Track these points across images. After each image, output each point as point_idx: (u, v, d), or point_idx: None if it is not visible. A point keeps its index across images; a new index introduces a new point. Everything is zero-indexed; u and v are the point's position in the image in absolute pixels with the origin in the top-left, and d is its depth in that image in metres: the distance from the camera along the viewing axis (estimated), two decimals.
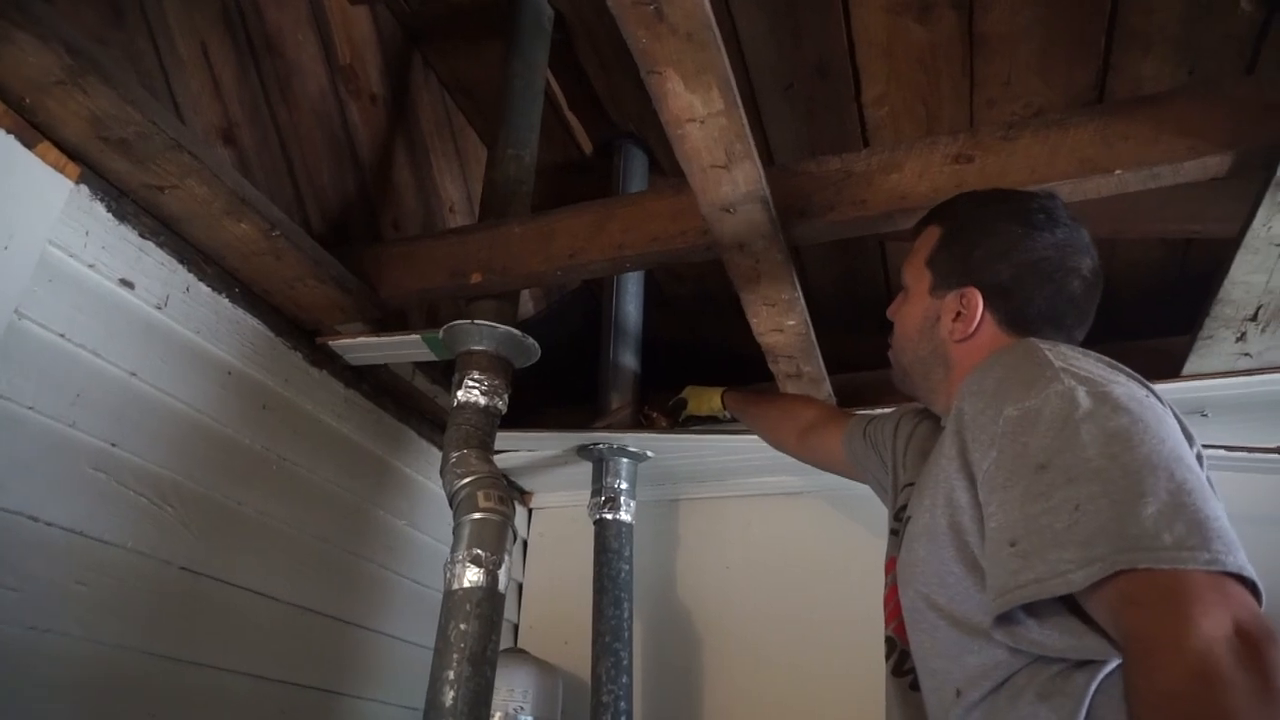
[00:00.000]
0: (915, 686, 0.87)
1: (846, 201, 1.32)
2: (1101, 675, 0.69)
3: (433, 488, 1.88)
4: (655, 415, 1.88)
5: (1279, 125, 1.08)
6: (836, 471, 1.42)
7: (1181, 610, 0.59)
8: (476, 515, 1.26)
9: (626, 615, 1.73)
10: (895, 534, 1.01)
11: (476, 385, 1.43)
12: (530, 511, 2.24)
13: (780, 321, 1.48)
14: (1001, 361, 0.84)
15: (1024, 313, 0.95)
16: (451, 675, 1.16)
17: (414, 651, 1.76)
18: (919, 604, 0.84)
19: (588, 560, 1.85)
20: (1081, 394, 0.74)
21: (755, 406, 1.65)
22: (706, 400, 1.77)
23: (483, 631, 1.19)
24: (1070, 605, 0.69)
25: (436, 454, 1.89)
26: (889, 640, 0.95)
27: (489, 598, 1.21)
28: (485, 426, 1.43)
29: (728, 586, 2.01)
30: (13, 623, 1.08)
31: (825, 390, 1.71)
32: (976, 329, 0.96)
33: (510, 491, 1.34)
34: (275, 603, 1.47)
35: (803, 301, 1.45)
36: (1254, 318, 1.39)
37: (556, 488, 2.15)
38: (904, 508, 1.00)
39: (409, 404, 1.84)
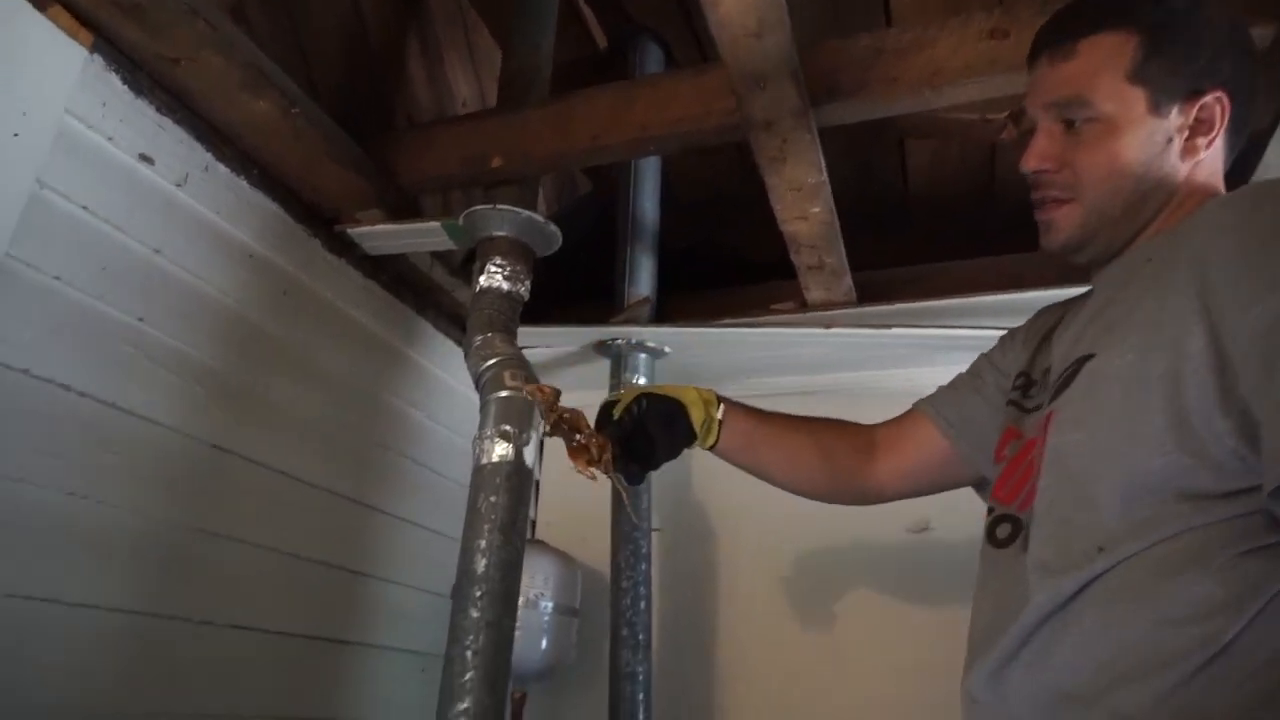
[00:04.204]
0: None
1: (877, 79, 1.29)
2: None
3: (449, 381, 1.90)
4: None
5: None
6: (928, 480, 1.14)
7: None
8: (503, 393, 1.27)
9: (645, 505, 1.76)
10: (1032, 410, 0.92)
11: (499, 270, 1.43)
12: None
13: (805, 208, 1.47)
14: (1275, 195, 0.73)
15: (1246, 116, 0.85)
16: (483, 544, 1.18)
17: (434, 539, 1.80)
18: (1080, 450, 0.78)
19: None
20: None
21: (774, 426, 1.16)
22: (666, 400, 1.10)
23: (511, 504, 1.21)
24: None
25: (453, 347, 1.91)
26: (1011, 518, 0.86)
27: (517, 471, 1.23)
28: (508, 311, 1.43)
29: (741, 485, 2.03)
30: (52, 487, 1.10)
31: (845, 284, 1.71)
32: (1212, 141, 0.85)
33: (535, 373, 1.34)
34: (302, 484, 1.49)
35: (829, 187, 1.44)
36: None
37: (573, 387, 2.13)
38: (1047, 370, 0.91)
39: (426, 296, 1.84)
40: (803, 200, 1.45)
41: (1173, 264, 0.77)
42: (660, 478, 1.92)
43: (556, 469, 2.19)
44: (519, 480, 1.23)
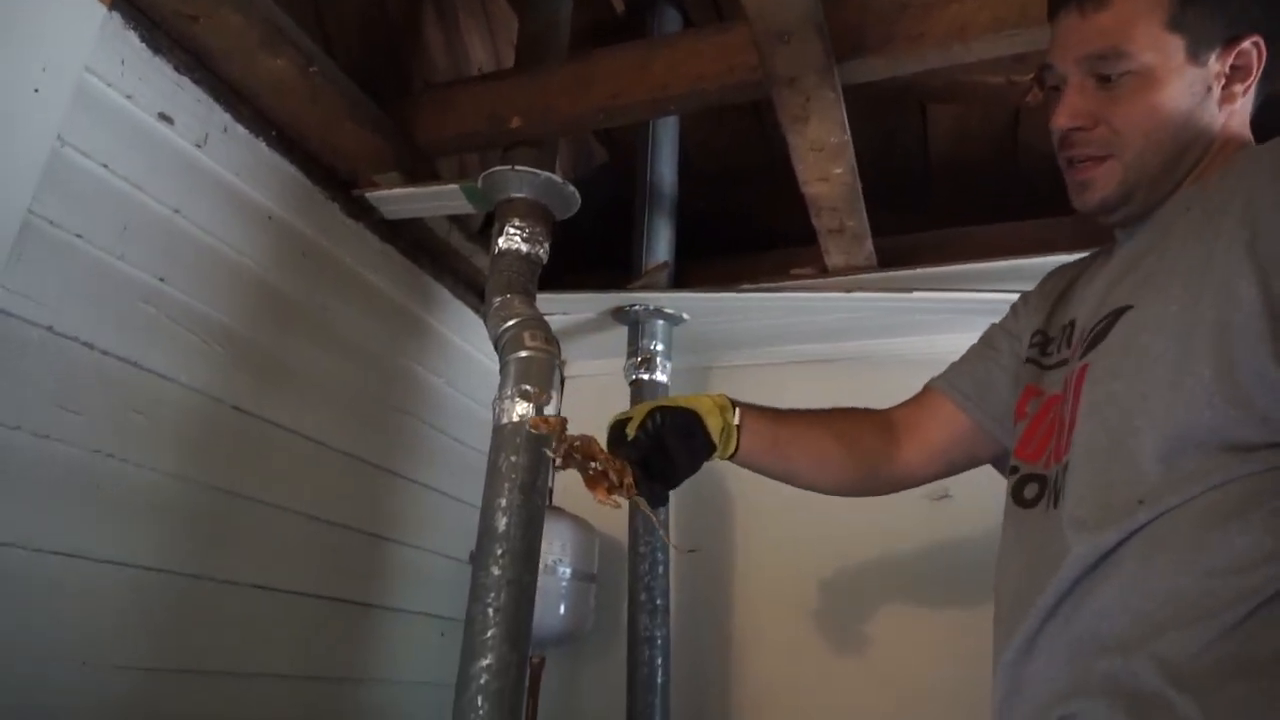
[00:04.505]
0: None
1: (903, 35, 1.27)
2: None
3: (467, 348, 1.90)
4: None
5: None
6: (954, 457, 1.09)
7: None
8: (523, 353, 1.26)
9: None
10: (1052, 366, 0.90)
11: (518, 232, 1.42)
12: (564, 380, 2.26)
13: (827, 169, 1.45)
14: None
15: (1278, 62, 0.83)
16: (504, 503, 1.19)
17: (453, 504, 1.81)
18: (1117, 402, 0.76)
19: None
20: None
21: (792, 424, 1.08)
22: (681, 411, 1.00)
23: (532, 463, 1.21)
24: None
25: (470, 315, 1.91)
26: (1038, 477, 0.85)
27: None
28: (527, 273, 1.42)
29: None
30: (78, 444, 1.11)
31: (867, 248, 1.69)
32: (1249, 88, 0.83)
33: (554, 334, 1.34)
34: (323, 447, 1.50)
35: (851, 147, 1.42)
36: None
37: (590, 356, 2.16)
38: (1067, 326, 0.90)
39: (444, 262, 1.84)
40: (825, 161, 1.43)
41: (1218, 211, 0.75)
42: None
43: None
44: (539, 440, 1.22)
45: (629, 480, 0.93)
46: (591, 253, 2.27)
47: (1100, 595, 0.72)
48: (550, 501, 2.11)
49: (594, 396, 2.20)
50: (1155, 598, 0.69)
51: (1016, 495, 0.87)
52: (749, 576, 1.94)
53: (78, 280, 1.12)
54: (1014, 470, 0.90)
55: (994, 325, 1.09)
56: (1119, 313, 0.80)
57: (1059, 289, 0.99)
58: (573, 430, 0.95)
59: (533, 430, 1.03)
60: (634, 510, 1.77)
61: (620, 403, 1.92)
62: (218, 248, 1.33)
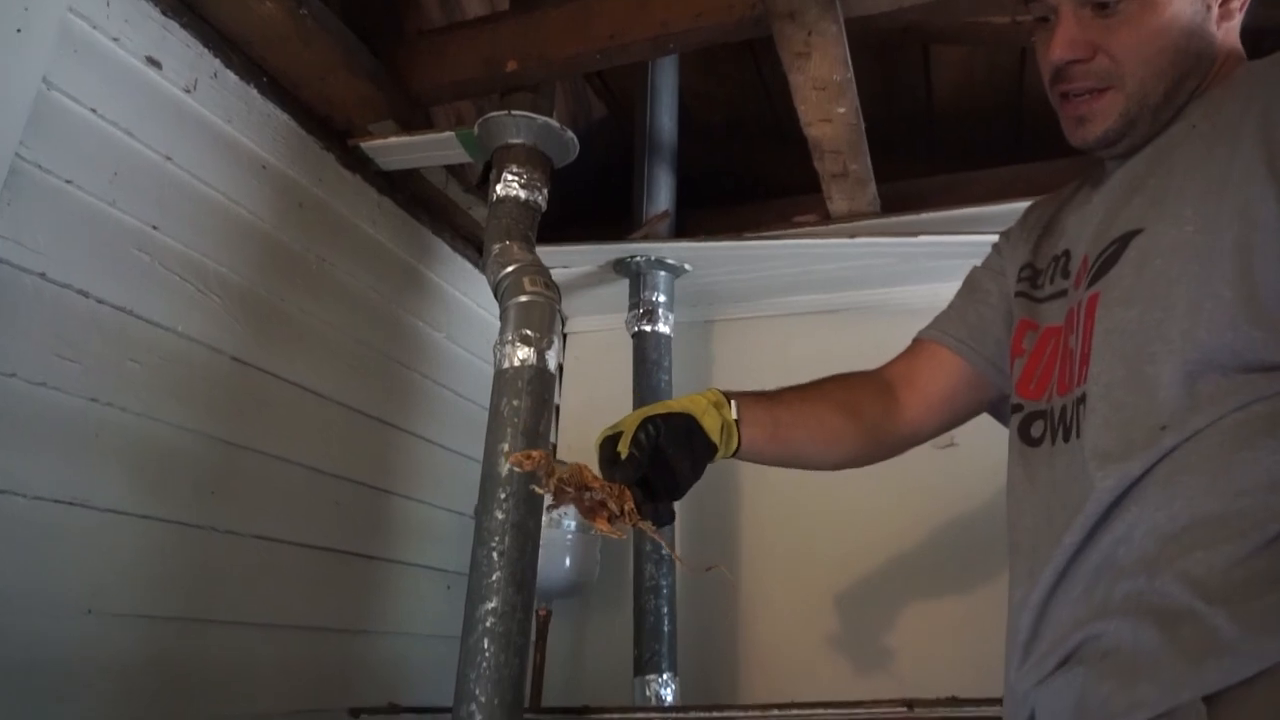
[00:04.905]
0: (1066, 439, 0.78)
1: None
2: None
3: (466, 302, 1.89)
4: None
5: None
6: (956, 405, 1.04)
7: None
8: (523, 298, 1.25)
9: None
10: (1046, 299, 0.88)
11: (515, 178, 1.40)
12: (565, 336, 2.24)
13: (830, 109, 1.42)
14: None
15: None
16: (506, 447, 1.18)
17: (455, 459, 1.80)
18: (1133, 328, 0.74)
19: (625, 383, 1.86)
20: None
21: (790, 405, 1.01)
22: (674, 417, 0.90)
23: (534, 407, 1.20)
24: None
25: (469, 268, 1.89)
26: (1044, 413, 0.83)
27: (539, 376, 1.22)
28: (526, 220, 1.40)
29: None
30: (75, 392, 1.10)
31: (870, 192, 1.67)
32: (1245, 3, 0.81)
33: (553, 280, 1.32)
34: (324, 400, 1.49)
35: (854, 86, 1.39)
36: None
37: (591, 311, 2.15)
38: (1060, 256, 0.88)
39: (442, 216, 1.82)
40: (827, 100, 1.40)
41: (1229, 128, 0.73)
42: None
43: (575, 391, 2.18)
44: (541, 384, 1.22)
45: (629, 506, 0.84)
46: (591, 212, 2.24)
47: (1122, 522, 0.71)
48: (554, 455, 2.11)
49: (596, 352, 2.19)
50: (1180, 520, 0.68)
51: (1023, 434, 0.85)
52: (754, 526, 1.93)
53: (69, 227, 1.11)
54: (1018, 409, 0.87)
55: (976, 268, 1.06)
56: (1127, 238, 0.78)
57: (1043, 220, 0.97)
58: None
59: (516, 468, 0.92)
60: None
61: (622, 358, 1.91)
62: (211, 196, 1.31)
